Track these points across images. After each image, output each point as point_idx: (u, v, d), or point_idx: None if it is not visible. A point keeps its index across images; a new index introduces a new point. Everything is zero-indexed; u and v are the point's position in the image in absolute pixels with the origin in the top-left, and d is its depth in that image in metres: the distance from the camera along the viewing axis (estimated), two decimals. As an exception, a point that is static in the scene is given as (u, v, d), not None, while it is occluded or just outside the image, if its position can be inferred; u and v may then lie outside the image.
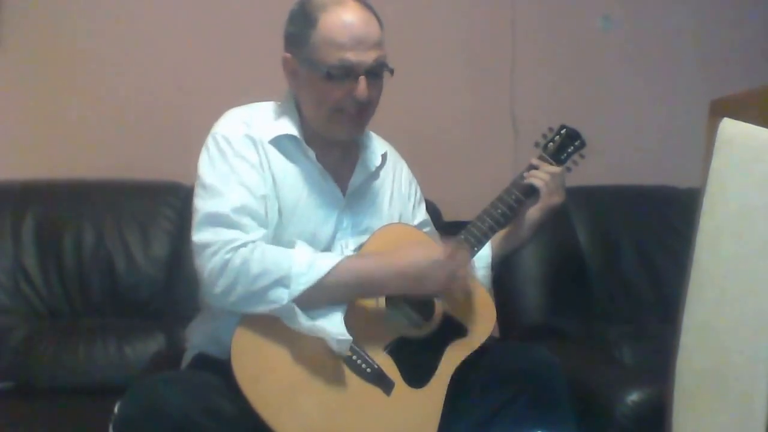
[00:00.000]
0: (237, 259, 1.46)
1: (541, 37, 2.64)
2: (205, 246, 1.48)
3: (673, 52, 2.69)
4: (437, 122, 2.57)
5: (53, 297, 2.12)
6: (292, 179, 1.60)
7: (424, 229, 1.78)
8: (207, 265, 1.47)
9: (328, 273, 1.47)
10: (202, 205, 1.52)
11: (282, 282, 1.45)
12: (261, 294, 1.46)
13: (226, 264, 1.46)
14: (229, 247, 1.47)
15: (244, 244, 1.48)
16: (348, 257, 1.53)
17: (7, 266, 2.11)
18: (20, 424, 1.79)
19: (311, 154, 1.61)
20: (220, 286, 1.46)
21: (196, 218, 1.52)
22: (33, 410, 1.86)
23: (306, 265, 1.47)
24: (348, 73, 1.53)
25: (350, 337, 1.47)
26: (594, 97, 2.66)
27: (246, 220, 1.51)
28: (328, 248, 1.60)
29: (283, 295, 1.45)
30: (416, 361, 1.53)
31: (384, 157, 1.73)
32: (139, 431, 1.35)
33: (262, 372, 1.45)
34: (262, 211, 1.54)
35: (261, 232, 1.52)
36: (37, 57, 2.36)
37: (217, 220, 1.50)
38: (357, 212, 1.66)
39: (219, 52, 2.43)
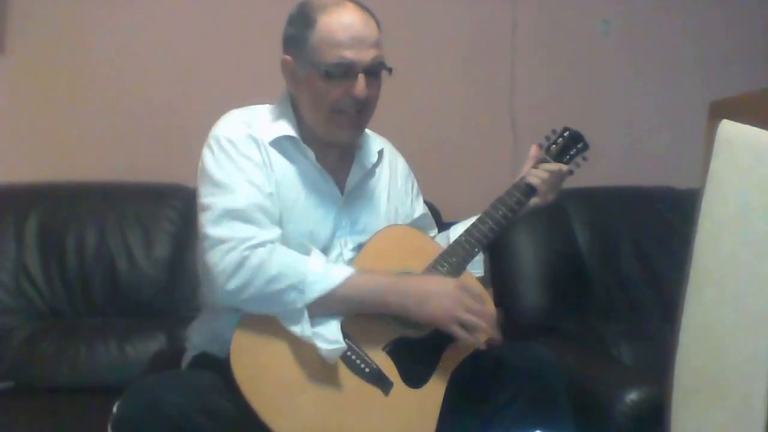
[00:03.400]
0: (255, 259, 1.47)
1: (540, 40, 2.65)
2: (222, 241, 1.48)
3: (672, 54, 2.70)
4: (437, 124, 2.58)
5: (55, 297, 2.13)
6: (292, 179, 1.60)
7: (424, 222, 1.80)
8: (221, 260, 1.47)
9: (340, 284, 1.48)
10: (216, 201, 1.52)
11: (297, 287, 1.46)
12: (274, 296, 1.46)
13: (242, 262, 1.46)
14: (247, 245, 1.47)
15: (263, 244, 1.48)
16: (360, 273, 1.52)
17: (10, 267, 2.13)
18: (20, 424, 1.79)
19: (310, 154, 1.61)
20: (233, 283, 1.46)
21: (213, 213, 1.51)
22: (33, 410, 1.87)
23: (321, 273, 1.48)
24: (347, 71, 1.54)
25: (342, 346, 1.47)
26: (593, 99, 2.66)
27: (261, 216, 1.51)
28: (327, 247, 1.61)
29: (297, 300, 1.46)
30: (415, 361, 1.54)
31: (380, 154, 1.73)
32: (137, 431, 1.35)
33: (261, 371, 1.45)
34: (271, 208, 1.54)
35: (276, 230, 1.53)
36: (41, 61, 2.37)
37: (234, 215, 1.50)
38: (355, 210, 1.66)
39: (220, 55, 2.44)
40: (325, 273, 1.49)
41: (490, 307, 1.55)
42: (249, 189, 1.53)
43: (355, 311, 1.52)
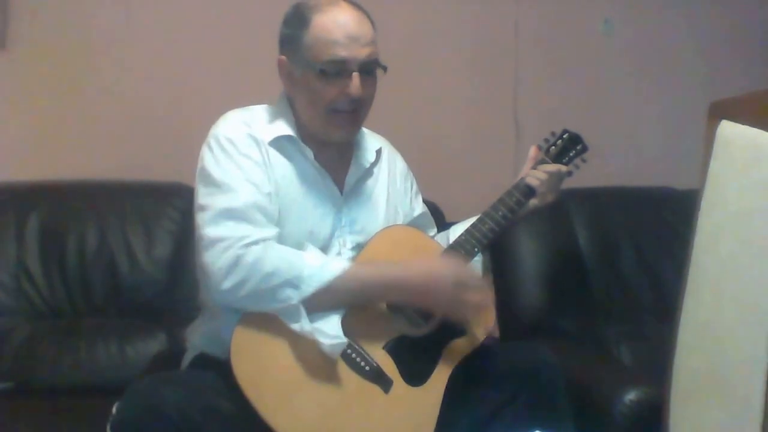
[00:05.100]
0: (250, 257, 1.47)
1: (543, 41, 2.65)
2: (218, 240, 1.48)
3: (673, 55, 2.70)
4: (441, 125, 2.58)
5: (55, 297, 2.13)
6: (291, 179, 1.61)
7: (424, 221, 1.81)
8: (218, 259, 1.47)
9: (337, 277, 1.48)
10: (214, 200, 1.52)
11: (292, 282, 1.46)
12: (271, 292, 1.46)
13: (238, 260, 1.46)
14: (242, 243, 1.47)
15: (258, 241, 1.48)
16: (357, 264, 1.53)
17: (10, 266, 2.12)
18: (20, 424, 1.79)
19: (309, 153, 1.62)
20: (229, 282, 1.46)
21: (210, 213, 1.51)
22: (33, 410, 1.87)
23: (317, 267, 1.48)
24: (341, 69, 1.54)
25: (343, 341, 1.47)
26: (595, 99, 2.67)
27: (259, 216, 1.52)
28: (326, 246, 1.61)
29: (292, 295, 1.46)
30: (415, 359, 1.54)
31: (378, 153, 1.74)
32: (137, 431, 1.35)
33: (261, 371, 1.45)
34: (270, 208, 1.55)
35: (273, 229, 1.53)
36: (41, 58, 2.37)
37: (231, 215, 1.50)
38: (353, 210, 1.67)
39: (221, 54, 2.44)
40: (322, 266, 1.49)
41: (490, 295, 1.57)
42: (247, 188, 1.53)
43: (356, 302, 1.52)
